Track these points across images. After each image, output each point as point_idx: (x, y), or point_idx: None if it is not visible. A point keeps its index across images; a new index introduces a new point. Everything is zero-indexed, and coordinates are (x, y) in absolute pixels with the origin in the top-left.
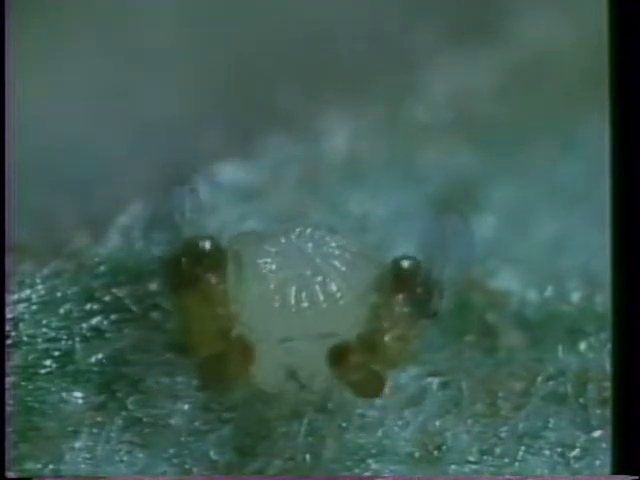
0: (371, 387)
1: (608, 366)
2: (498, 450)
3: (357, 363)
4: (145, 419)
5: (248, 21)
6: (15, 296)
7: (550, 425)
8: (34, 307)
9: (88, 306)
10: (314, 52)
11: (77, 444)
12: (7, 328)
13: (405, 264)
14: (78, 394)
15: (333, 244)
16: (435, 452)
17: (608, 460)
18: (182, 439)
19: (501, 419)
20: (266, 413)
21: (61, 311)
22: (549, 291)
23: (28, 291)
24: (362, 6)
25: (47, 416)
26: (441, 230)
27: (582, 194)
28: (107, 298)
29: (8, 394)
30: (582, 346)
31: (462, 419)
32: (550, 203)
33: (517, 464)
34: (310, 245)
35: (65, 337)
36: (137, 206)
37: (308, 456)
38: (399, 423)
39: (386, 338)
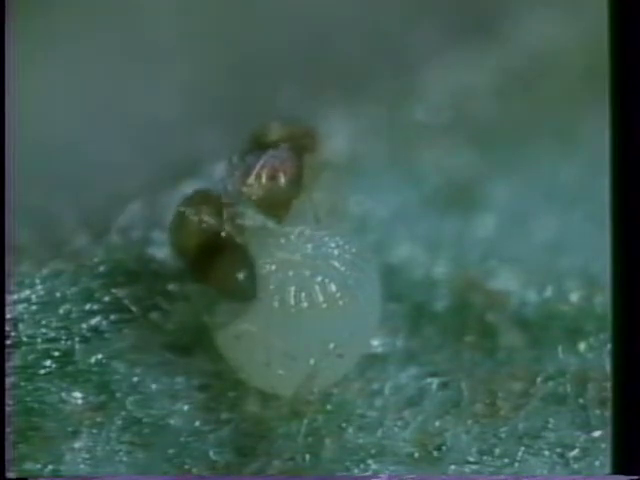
0: None
1: (608, 366)
2: (498, 450)
3: None
4: (145, 419)
5: (248, 21)
6: (15, 296)
7: (550, 425)
8: (34, 307)
9: (87, 306)
10: (314, 52)
11: (77, 444)
12: (7, 328)
13: None
14: (78, 394)
15: (333, 244)
16: (435, 452)
17: (608, 460)
18: (182, 439)
19: (501, 419)
20: (266, 413)
21: (60, 311)
22: (549, 291)
23: (28, 291)
24: (362, 6)
25: (47, 416)
26: (441, 230)
27: (582, 194)
28: (106, 298)
29: (8, 394)
30: (582, 346)
31: (462, 419)
32: (550, 203)
33: (517, 464)
34: (310, 245)
35: (64, 337)
36: (137, 206)
37: (308, 456)
38: (399, 423)
39: None
